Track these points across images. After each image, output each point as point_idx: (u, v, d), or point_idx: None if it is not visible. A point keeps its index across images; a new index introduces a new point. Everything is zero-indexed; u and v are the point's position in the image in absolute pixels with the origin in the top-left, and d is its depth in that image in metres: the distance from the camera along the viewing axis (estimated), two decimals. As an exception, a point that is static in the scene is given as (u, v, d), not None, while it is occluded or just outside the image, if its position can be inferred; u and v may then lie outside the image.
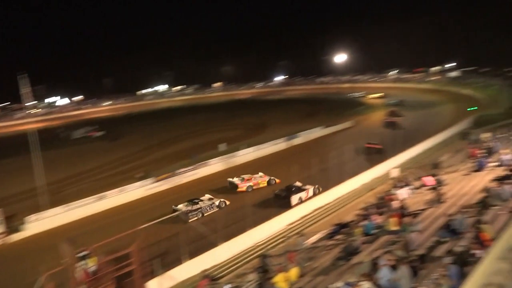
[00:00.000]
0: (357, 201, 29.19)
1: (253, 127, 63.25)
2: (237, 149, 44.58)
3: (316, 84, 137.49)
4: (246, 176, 34.91)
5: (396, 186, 27.23)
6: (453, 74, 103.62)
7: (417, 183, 27.82)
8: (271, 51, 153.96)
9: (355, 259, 16.84)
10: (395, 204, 22.47)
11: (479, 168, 25.97)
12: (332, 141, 49.02)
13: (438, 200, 21.78)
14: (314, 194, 30.25)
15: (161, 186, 36.13)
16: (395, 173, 33.84)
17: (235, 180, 34.74)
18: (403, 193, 25.28)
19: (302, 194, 29.95)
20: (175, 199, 30.67)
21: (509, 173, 21.58)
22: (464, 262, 11.51)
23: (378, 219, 20.60)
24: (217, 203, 29.97)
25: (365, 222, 20.59)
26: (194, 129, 64.48)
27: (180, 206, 29.17)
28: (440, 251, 14.53)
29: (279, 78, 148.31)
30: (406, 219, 19.02)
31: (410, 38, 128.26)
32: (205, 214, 28.70)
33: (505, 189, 18.50)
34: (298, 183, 31.57)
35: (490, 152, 28.81)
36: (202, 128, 65.23)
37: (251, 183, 33.96)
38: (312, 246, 21.39)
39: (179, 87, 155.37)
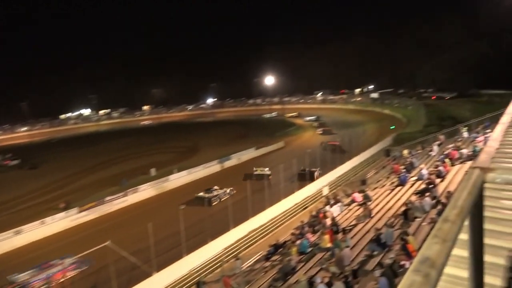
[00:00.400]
0: (292, 220, 29.36)
1: (185, 150, 62.64)
2: (169, 173, 43.50)
3: (246, 105, 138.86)
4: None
5: (328, 204, 27.79)
6: (374, 95, 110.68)
7: (347, 200, 28.46)
8: (201, 73, 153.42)
9: (292, 279, 16.93)
10: (327, 221, 22.83)
11: (402, 182, 26.91)
12: (264, 162, 49.43)
13: (367, 215, 22.31)
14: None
15: (87, 216, 34.09)
16: (327, 191, 34.67)
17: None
18: (334, 210, 25.76)
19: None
20: (104, 229, 29.35)
21: (427, 186, 22.45)
22: (394, 274, 12.04)
23: (312, 237, 20.83)
24: (228, 191, 36.75)
25: (300, 241, 20.62)
26: (123, 154, 62.70)
27: (201, 194, 36.24)
28: (371, 264, 14.89)
29: (210, 100, 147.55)
30: (339, 236, 19.32)
31: (336, 61, 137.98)
32: (222, 199, 35.36)
33: (426, 201, 19.44)
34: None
35: (410, 167, 30.09)
36: (131, 152, 63.35)
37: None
38: (249, 269, 21.22)
39: (105, 110, 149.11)
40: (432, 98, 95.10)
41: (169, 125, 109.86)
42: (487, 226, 2.89)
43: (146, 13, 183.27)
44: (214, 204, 34.59)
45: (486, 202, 3.38)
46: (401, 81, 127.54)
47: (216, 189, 36.56)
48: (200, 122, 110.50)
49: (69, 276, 23.23)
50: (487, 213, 3.28)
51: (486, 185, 3.45)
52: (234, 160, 50.61)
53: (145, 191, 39.43)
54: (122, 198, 37.14)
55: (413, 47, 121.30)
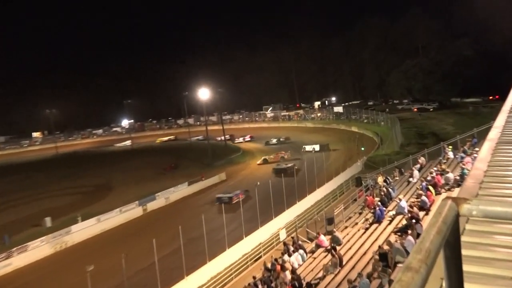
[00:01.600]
0: (240, 277, 28.76)
1: (93, 190, 60.60)
2: (72, 223, 41.01)
3: (175, 127, 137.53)
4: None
5: (286, 252, 27.24)
6: (338, 109, 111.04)
7: (310, 245, 28.19)
8: (111, 87, 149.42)
9: None
10: (287, 275, 22.36)
11: (378, 219, 27.23)
12: (201, 201, 48.65)
13: (336, 263, 22.10)
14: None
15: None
16: (284, 234, 34.13)
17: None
18: (295, 259, 25.49)
19: None
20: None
21: (409, 222, 22.81)
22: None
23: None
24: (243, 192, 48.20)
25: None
26: (5, 200, 58.15)
27: (220, 195, 47.06)
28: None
29: (126, 122, 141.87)
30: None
31: (287, 69, 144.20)
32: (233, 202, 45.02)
33: (409, 241, 19.81)
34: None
35: (387, 199, 30.36)
36: (18, 197, 59.11)
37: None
38: None
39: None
40: (414, 110, 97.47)
41: (70, 156, 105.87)
42: (467, 268, 2.88)
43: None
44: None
45: (467, 239, 3.53)
46: (368, 91, 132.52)
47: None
48: (113, 151, 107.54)
49: None
50: (467, 252, 3.33)
51: (467, 219, 3.69)
52: (160, 200, 49.38)
53: (37, 250, 37.03)
54: (4, 262, 34.63)
55: (381, 50, 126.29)
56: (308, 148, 71.00)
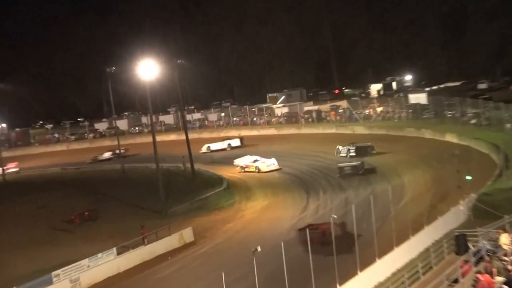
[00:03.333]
0: None
1: None
2: None
3: (88, 138, 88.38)
4: None
5: None
6: (418, 98, 68.08)
7: None
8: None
9: None
10: None
11: None
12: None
13: None
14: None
15: None
16: None
17: None
18: None
19: None
20: None
21: None
22: None
23: None
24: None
25: None
26: None
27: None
28: None
29: None
30: None
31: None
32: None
33: None
34: None
35: None
36: None
37: None
38: None
39: None
40: None
41: None
42: None
43: None
44: None
45: None
46: (478, 64, 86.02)
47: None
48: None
49: None
50: None
51: None
52: (64, 283, 31.44)
53: None
54: None
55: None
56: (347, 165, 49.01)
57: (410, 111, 67.83)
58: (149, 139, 61.76)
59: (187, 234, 37.90)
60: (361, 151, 54.57)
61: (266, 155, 58.70)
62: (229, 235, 39.58)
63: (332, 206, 41.22)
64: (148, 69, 47.03)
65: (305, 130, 75.17)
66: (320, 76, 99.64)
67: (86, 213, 47.22)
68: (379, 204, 33.81)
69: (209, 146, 68.63)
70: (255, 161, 55.01)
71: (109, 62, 77.35)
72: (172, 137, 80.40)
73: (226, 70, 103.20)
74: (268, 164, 53.72)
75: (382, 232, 30.28)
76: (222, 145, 68.27)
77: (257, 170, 53.49)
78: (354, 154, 54.44)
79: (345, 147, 56.12)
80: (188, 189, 53.69)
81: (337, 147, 57.36)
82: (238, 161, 56.63)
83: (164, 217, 44.25)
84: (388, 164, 51.54)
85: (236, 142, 68.49)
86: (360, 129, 68.66)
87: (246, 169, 54.30)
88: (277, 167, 53.61)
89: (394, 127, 66.80)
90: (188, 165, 56.81)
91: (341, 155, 55.85)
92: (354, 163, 49.49)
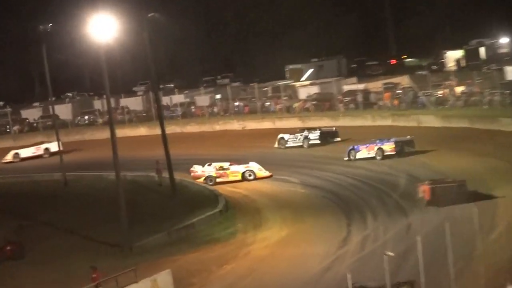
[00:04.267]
0: None
1: None
2: None
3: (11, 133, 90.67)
4: None
5: None
6: None
7: None
8: None
9: None
10: None
11: None
12: None
13: None
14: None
15: None
16: None
17: None
18: None
19: None
20: None
21: None
22: None
23: None
24: None
25: None
26: None
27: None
28: None
29: None
30: None
31: None
32: None
33: None
34: None
35: None
36: None
37: None
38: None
39: None
40: None
41: None
42: None
43: None
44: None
45: None
46: None
47: None
48: None
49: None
50: None
51: None
52: None
53: None
54: None
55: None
56: None
57: (507, 92, 65.08)
58: (105, 133, 59.39)
59: (164, 281, 35.67)
60: (327, 137, 61.05)
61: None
62: (228, 282, 38.06)
63: (387, 237, 39.47)
64: (103, 28, 44.16)
65: (345, 121, 71.62)
66: (368, 38, 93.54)
67: (7, 248, 47.86)
68: (460, 236, 30.75)
69: (17, 153, 69.30)
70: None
71: (43, 18, 72.02)
72: (141, 131, 78.00)
73: (223, 28, 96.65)
74: (260, 168, 56.90)
75: (464, 278, 30.82)
76: (36, 150, 69.19)
77: (252, 177, 56.24)
78: (317, 141, 61.04)
79: (297, 134, 61.37)
80: (165, 212, 47.03)
81: (279, 136, 62.01)
82: (199, 168, 57.35)
83: (128, 254, 39.52)
84: (471, 174, 49.54)
85: (54, 147, 65.82)
86: (429, 120, 67.05)
87: (221, 178, 54.85)
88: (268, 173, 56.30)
89: (482, 117, 64.79)
90: (166, 174, 53.46)
91: (288, 145, 62.97)
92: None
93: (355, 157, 58.63)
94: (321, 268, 36.76)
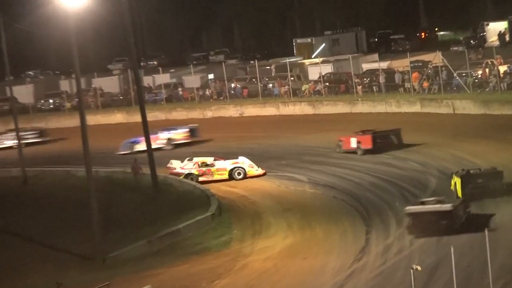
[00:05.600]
0: None
1: None
2: None
3: None
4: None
5: None
6: None
7: None
8: None
9: None
10: None
11: None
12: None
13: None
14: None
15: None
16: None
17: None
18: None
19: None
20: None
21: None
22: None
23: None
24: None
25: None
26: None
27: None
28: None
29: None
30: None
31: None
32: None
33: None
34: None
35: None
36: None
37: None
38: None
39: None
40: None
41: None
42: None
43: None
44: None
45: None
46: None
47: None
48: None
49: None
50: None
51: None
52: None
53: None
54: None
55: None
56: None
57: None
58: (73, 120, 61.12)
59: (137, 306, 37.59)
60: None
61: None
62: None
63: (413, 248, 39.09)
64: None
65: (363, 108, 71.25)
66: (393, 7, 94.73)
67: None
68: (502, 246, 32.51)
69: None
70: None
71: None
72: (118, 117, 76.75)
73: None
74: (251, 165, 57.96)
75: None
76: None
77: (242, 176, 58.23)
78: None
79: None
80: (145, 216, 48.76)
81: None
82: (178, 164, 59.15)
83: (100, 267, 40.60)
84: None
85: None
86: (466, 106, 66.32)
87: (204, 177, 56.48)
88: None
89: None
90: (146, 170, 53.03)
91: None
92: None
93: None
94: (334, 284, 35.75)
